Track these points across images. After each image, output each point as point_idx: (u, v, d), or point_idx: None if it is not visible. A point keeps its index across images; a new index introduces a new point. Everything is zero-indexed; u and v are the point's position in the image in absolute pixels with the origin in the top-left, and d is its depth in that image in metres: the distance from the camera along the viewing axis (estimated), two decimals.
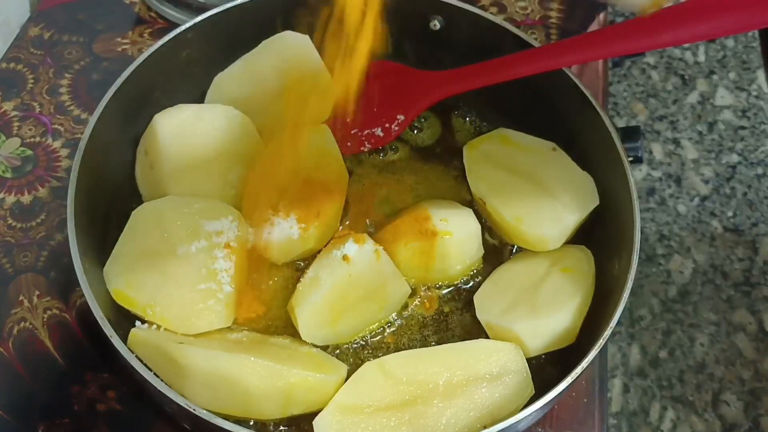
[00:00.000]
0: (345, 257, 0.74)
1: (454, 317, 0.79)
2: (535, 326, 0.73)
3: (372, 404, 0.68)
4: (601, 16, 1.10)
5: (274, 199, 0.78)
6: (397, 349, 0.76)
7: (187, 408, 0.62)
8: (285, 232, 0.76)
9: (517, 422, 0.63)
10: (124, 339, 0.68)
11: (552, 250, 0.80)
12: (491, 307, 0.76)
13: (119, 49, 1.04)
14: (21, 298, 0.84)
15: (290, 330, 0.76)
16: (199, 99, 0.87)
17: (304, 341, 0.74)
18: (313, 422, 0.67)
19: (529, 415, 0.64)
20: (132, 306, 0.71)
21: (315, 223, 0.77)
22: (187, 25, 0.82)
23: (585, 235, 0.81)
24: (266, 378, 0.67)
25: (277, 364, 0.67)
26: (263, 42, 0.85)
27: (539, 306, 0.74)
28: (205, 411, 0.62)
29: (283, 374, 0.67)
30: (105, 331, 0.65)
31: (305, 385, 0.68)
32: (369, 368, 0.70)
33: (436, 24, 0.87)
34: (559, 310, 0.73)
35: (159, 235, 0.73)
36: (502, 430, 0.63)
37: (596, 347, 0.66)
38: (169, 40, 0.81)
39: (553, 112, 0.84)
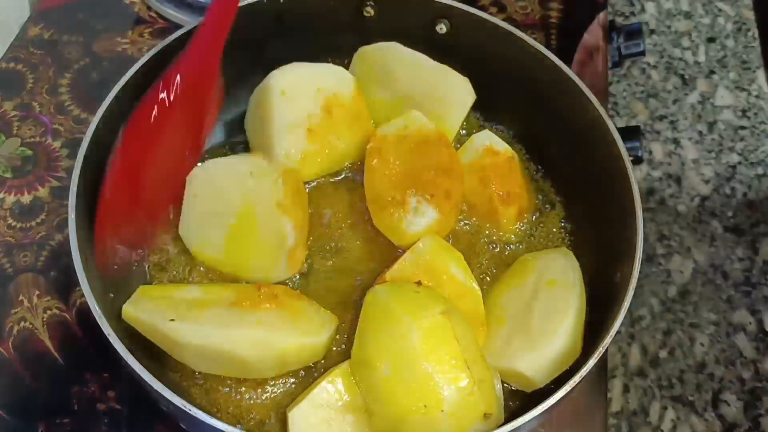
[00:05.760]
0: None
1: None
2: (537, 359, 0.70)
3: (350, 400, 0.69)
4: (601, 15, 1.10)
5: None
6: None
7: (183, 408, 0.62)
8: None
9: (516, 429, 0.63)
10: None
11: (534, 259, 0.78)
12: (488, 345, 0.74)
13: (119, 49, 1.04)
14: (21, 298, 0.84)
15: None
16: None
17: (297, 292, 0.75)
18: (288, 414, 0.68)
19: (528, 422, 0.63)
20: (208, 261, 0.78)
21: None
22: (192, 25, 0.81)
23: (585, 239, 0.81)
24: (258, 348, 0.69)
25: (267, 332, 0.69)
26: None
27: (535, 335, 0.71)
28: (200, 411, 0.62)
29: (274, 345, 0.69)
30: (104, 330, 0.64)
31: (297, 348, 0.70)
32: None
33: (442, 28, 0.86)
34: (556, 336, 0.70)
35: (215, 198, 0.76)
36: None
37: (595, 356, 0.66)
38: (173, 40, 0.80)
39: (553, 112, 0.84)
